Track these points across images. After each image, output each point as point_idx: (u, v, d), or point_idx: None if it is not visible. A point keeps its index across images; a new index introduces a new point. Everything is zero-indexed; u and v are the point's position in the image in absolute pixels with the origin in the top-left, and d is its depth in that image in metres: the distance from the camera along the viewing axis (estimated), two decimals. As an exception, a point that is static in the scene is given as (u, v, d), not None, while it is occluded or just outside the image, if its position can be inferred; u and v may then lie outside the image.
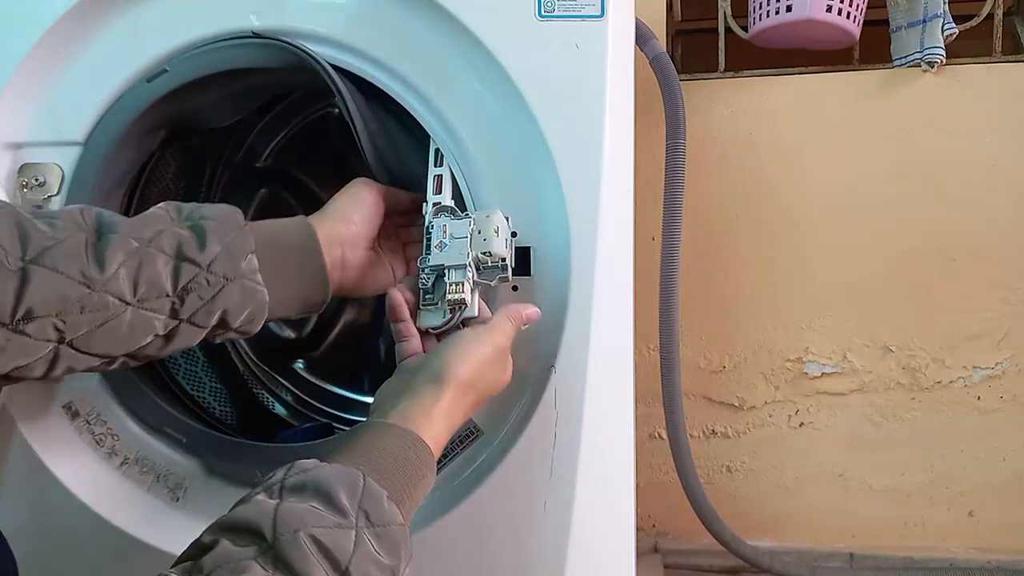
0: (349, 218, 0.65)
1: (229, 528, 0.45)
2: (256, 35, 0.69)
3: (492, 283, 0.64)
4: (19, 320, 0.49)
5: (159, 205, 0.59)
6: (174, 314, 0.55)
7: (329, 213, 0.65)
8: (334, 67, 0.68)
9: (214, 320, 0.57)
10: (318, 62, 0.67)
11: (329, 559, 0.44)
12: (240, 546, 0.43)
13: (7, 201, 0.54)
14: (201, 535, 0.45)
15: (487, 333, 0.60)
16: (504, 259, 0.64)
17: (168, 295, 0.54)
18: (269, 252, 0.59)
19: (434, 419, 0.56)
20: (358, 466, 0.50)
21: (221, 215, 0.58)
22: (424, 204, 0.67)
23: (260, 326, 0.60)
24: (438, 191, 0.68)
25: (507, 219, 0.65)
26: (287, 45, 0.68)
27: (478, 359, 0.59)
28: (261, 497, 0.47)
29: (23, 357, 0.50)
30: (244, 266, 0.57)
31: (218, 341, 0.60)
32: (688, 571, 1.24)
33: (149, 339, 0.55)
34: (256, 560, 0.43)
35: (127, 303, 0.53)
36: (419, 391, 0.57)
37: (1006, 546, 1.18)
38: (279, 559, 0.43)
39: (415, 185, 0.70)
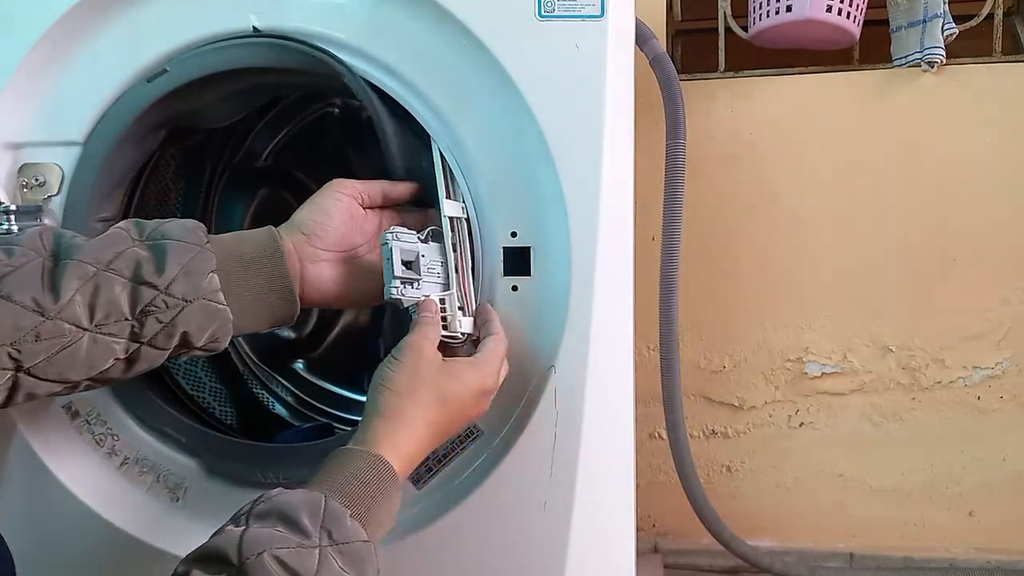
0: (311, 231, 0.64)
1: (199, 559, 0.46)
2: (283, 38, 0.69)
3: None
4: None
5: (120, 224, 0.58)
6: (134, 337, 0.55)
7: (295, 224, 0.64)
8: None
9: (175, 341, 0.57)
10: (348, 69, 0.67)
11: None
12: (209, 574, 0.45)
13: None
14: (175, 568, 0.46)
15: (470, 368, 0.61)
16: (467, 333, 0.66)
17: (127, 319, 0.55)
18: (231, 269, 0.59)
19: (399, 438, 0.56)
20: (320, 489, 0.51)
21: (182, 233, 0.58)
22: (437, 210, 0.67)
23: (227, 343, 0.60)
24: (448, 195, 0.67)
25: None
26: (315, 50, 0.68)
27: (447, 388, 0.59)
28: (229, 527, 0.48)
29: None
30: (205, 286, 0.57)
31: (184, 359, 0.60)
32: (688, 571, 1.24)
33: (110, 363, 0.55)
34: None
35: (84, 329, 0.53)
36: (384, 409, 0.57)
37: (1006, 546, 1.18)
38: None
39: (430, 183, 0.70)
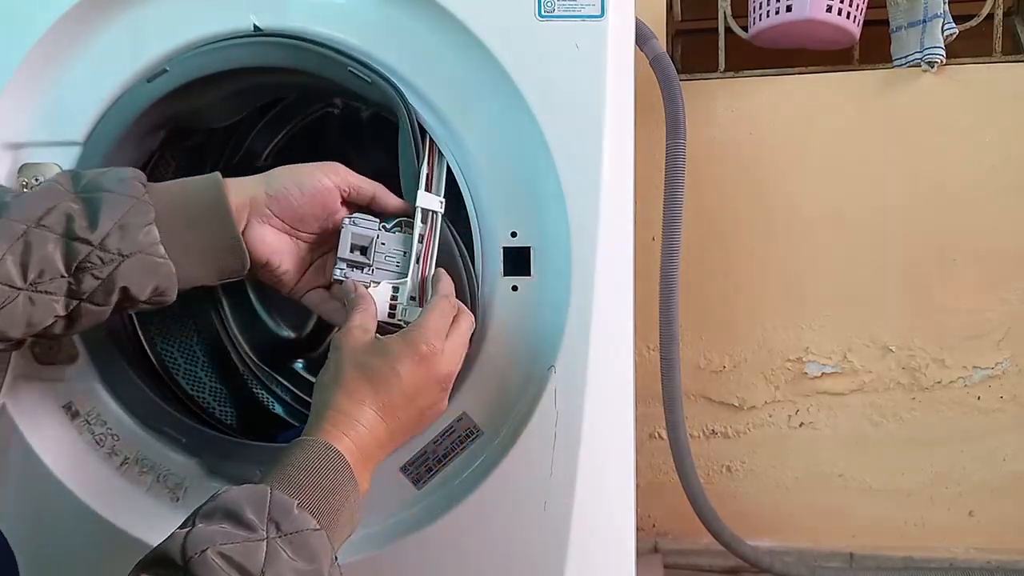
0: (275, 193, 0.61)
1: (146, 565, 0.46)
2: (307, 40, 0.68)
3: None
4: None
5: (56, 175, 0.57)
6: (72, 294, 0.54)
7: (264, 179, 0.62)
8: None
9: (115, 297, 0.56)
10: (392, 84, 0.67)
11: (242, 572, 0.44)
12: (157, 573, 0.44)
13: None
14: None
15: (399, 341, 0.58)
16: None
17: (63, 276, 0.53)
18: (172, 220, 0.57)
19: (347, 427, 0.55)
20: (267, 482, 0.50)
21: (116, 184, 0.56)
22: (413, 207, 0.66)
23: (174, 296, 0.58)
24: (429, 188, 0.67)
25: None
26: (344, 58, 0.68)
27: (380, 368, 0.57)
28: (177, 531, 0.47)
29: None
30: (142, 239, 0.55)
31: (131, 312, 0.58)
32: (688, 571, 1.24)
33: (51, 320, 0.54)
34: None
35: (18, 288, 0.52)
36: (327, 404, 0.56)
37: (1006, 546, 1.18)
38: None
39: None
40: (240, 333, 0.94)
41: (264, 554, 0.46)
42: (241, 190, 0.60)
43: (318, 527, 0.49)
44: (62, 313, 0.55)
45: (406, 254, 0.66)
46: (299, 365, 0.97)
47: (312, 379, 0.96)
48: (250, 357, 0.94)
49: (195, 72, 0.69)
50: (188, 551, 0.45)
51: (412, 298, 0.66)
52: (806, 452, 1.20)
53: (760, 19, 1.04)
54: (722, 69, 1.15)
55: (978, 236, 1.11)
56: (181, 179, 0.60)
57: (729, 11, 1.13)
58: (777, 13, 1.02)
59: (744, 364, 1.19)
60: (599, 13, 0.66)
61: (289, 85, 0.81)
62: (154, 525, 0.73)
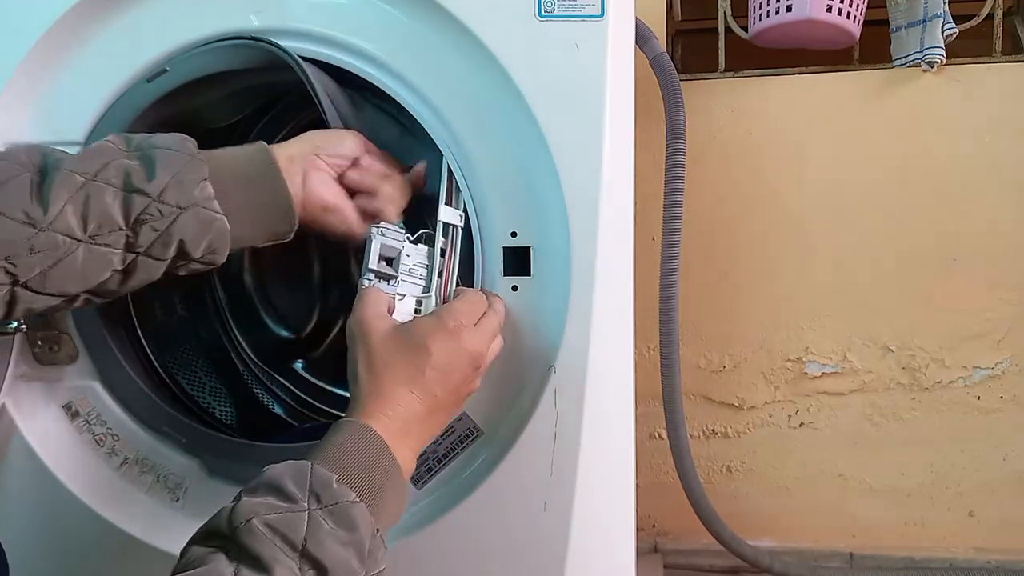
0: (316, 143, 0.65)
1: (196, 540, 0.48)
2: (248, 37, 0.69)
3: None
4: None
5: (108, 136, 0.57)
6: (129, 247, 0.55)
7: (297, 138, 0.65)
8: (327, 65, 0.69)
9: (172, 251, 0.56)
10: (287, 53, 0.68)
11: (285, 540, 0.47)
12: (206, 546, 0.47)
13: None
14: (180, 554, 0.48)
15: (424, 319, 0.61)
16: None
17: (121, 228, 0.54)
18: (225, 180, 0.58)
19: (384, 407, 0.57)
20: (307, 459, 0.52)
21: (171, 143, 0.57)
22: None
23: (224, 256, 0.59)
24: (448, 202, 0.68)
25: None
26: (259, 43, 0.68)
27: (406, 345, 0.58)
28: (224, 506, 0.49)
29: None
30: (197, 194, 0.56)
31: (182, 274, 0.59)
32: (688, 571, 1.24)
33: (108, 274, 0.55)
34: (220, 551, 0.46)
35: (78, 240, 0.53)
36: (362, 391, 0.58)
37: (1006, 546, 1.18)
38: (239, 548, 0.46)
39: None
40: (240, 333, 0.94)
41: (306, 524, 0.48)
42: (288, 149, 0.62)
43: (357, 500, 0.51)
44: (119, 267, 0.55)
45: (429, 267, 0.67)
46: (299, 365, 0.97)
47: (312, 379, 0.96)
48: (250, 357, 0.94)
49: (195, 72, 0.69)
50: (234, 521, 0.47)
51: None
52: (806, 452, 1.20)
53: (760, 19, 1.04)
54: (722, 69, 1.15)
55: (978, 236, 1.11)
56: (226, 148, 0.61)
57: (729, 11, 1.13)
58: (777, 13, 1.02)
59: (744, 364, 1.19)
60: (599, 13, 0.66)
61: (289, 85, 0.81)
62: (154, 525, 0.73)
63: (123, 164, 0.54)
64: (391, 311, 0.63)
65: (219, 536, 0.47)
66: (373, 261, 0.64)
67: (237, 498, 0.49)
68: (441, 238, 0.67)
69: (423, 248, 0.67)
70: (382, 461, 0.54)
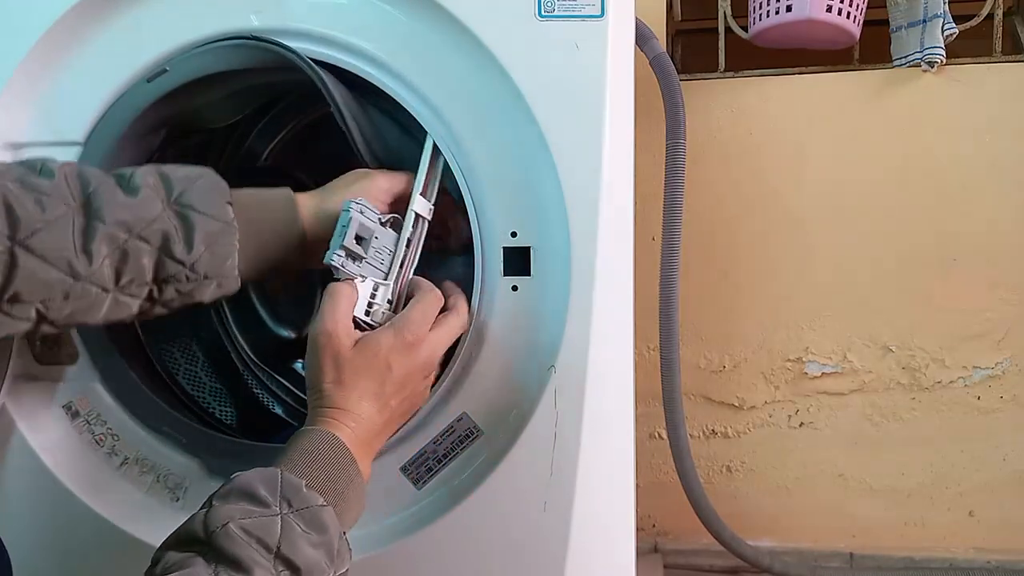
0: (333, 204, 0.65)
1: (170, 545, 0.50)
2: (250, 36, 0.69)
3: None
4: (5, 301, 0.52)
5: (147, 175, 0.58)
6: (150, 299, 0.59)
7: (326, 198, 0.66)
8: (327, 65, 0.69)
9: (184, 305, 0.60)
10: (301, 58, 0.68)
11: (261, 543, 0.49)
12: (182, 552, 0.49)
13: None
14: (153, 557, 0.50)
15: (386, 331, 0.62)
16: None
17: (148, 283, 0.57)
18: (248, 242, 0.61)
19: (345, 416, 0.59)
20: (276, 466, 0.54)
21: (209, 205, 0.59)
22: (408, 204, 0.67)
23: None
24: (424, 193, 0.67)
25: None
26: (269, 44, 0.68)
27: (368, 359, 0.60)
28: (196, 513, 0.51)
29: (4, 331, 0.54)
30: (227, 265, 0.60)
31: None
32: (688, 571, 1.24)
33: (124, 316, 0.59)
34: (197, 555, 0.48)
35: (108, 290, 0.56)
36: (323, 400, 0.60)
37: (1006, 546, 1.18)
38: (217, 552, 0.48)
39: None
40: (240, 333, 0.94)
41: (279, 527, 0.50)
42: (309, 224, 0.64)
43: (325, 503, 0.53)
44: (135, 311, 0.59)
45: (392, 253, 0.66)
46: (299, 365, 0.97)
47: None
48: (250, 357, 0.94)
49: (195, 72, 0.69)
50: (210, 526, 0.49)
51: (389, 301, 0.66)
52: (806, 452, 1.20)
53: (760, 19, 1.04)
54: (722, 69, 1.15)
55: (978, 235, 1.11)
56: (257, 194, 0.64)
57: (729, 11, 1.13)
58: (777, 13, 1.02)
59: (744, 364, 1.19)
60: (599, 13, 0.66)
61: (289, 84, 0.81)
62: (154, 525, 0.73)
63: (163, 225, 0.57)
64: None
65: (196, 541, 0.49)
66: (349, 238, 0.63)
67: (208, 504, 0.51)
68: (410, 228, 0.66)
69: (391, 233, 0.66)
70: (346, 469, 0.57)
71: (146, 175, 0.59)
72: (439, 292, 0.66)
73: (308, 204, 0.65)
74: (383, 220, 0.65)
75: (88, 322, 0.57)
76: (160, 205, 0.58)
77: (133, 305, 0.58)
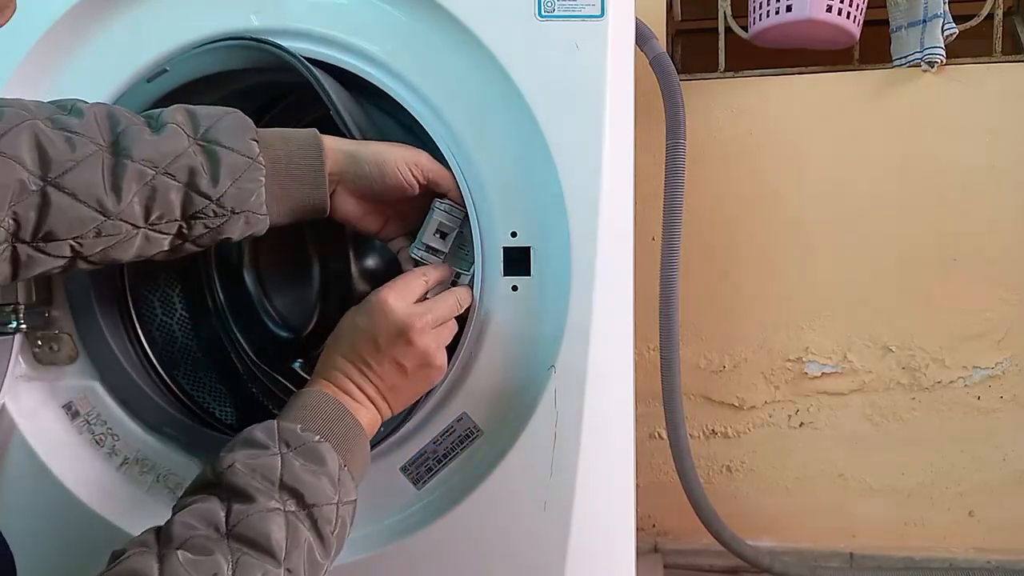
0: (360, 166, 0.65)
1: (188, 492, 0.56)
2: (247, 37, 0.69)
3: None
4: (40, 239, 0.54)
5: (174, 113, 0.60)
6: (180, 235, 0.60)
7: (354, 157, 0.66)
8: (327, 65, 0.69)
9: (216, 242, 0.62)
10: (297, 59, 0.68)
11: (265, 477, 0.54)
12: (199, 498, 0.54)
13: (27, 106, 0.55)
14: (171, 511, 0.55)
15: (379, 290, 0.65)
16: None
17: (177, 219, 0.59)
18: (275, 179, 0.62)
19: (335, 372, 0.63)
20: (274, 419, 0.59)
21: (235, 140, 0.60)
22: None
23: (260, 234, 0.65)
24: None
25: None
26: (265, 45, 0.68)
27: (356, 315, 0.64)
28: (205, 467, 0.57)
29: (42, 268, 0.56)
30: (253, 200, 0.61)
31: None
32: (688, 571, 1.24)
33: (155, 252, 0.60)
34: (212, 495, 0.53)
35: (138, 227, 0.57)
36: (322, 361, 0.65)
37: (1006, 546, 1.18)
38: (227, 487, 0.53)
39: None
40: (240, 333, 0.94)
41: (280, 463, 0.55)
42: (336, 161, 0.65)
43: (321, 439, 0.58)
44: (166, 248, 0.60)
45: (470, 252, 0.69)
46: (299, 365, 0.97)
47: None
48: (250, 357, 0.94)
49: (195, 72, 0.69)
50: (218, 467, 0.55)
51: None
52: (806, 452, 1.20)
53: (760, 19, 1.05)
54: (722, 69, 1.15)
55: (978, 235, 1.11)
56: (284, 132, 0.64)
57: (729, 11, 1.13)
58: (777, 13, 1.02)
59: (744, 364, 1.19)
60: (599, 13, 0.66)
61: (288, 85, 0.81)
62: (154, 525, 0.73)
63: (190, 160, 0.58)
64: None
65: (208, 484, 0.55)
66: (429, 234, 0.68)
67: (217, 458, 0.56)
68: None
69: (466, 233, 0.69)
70: (343, 418, 0.61)
71: (174, 112, 0.60)
72: (429, 276, 0.68)
73: (333, 145, 0.65)
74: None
75: (121, 258, 0.59)
76: (186, 141, 0.59)
77: (164, 241, 0.59)
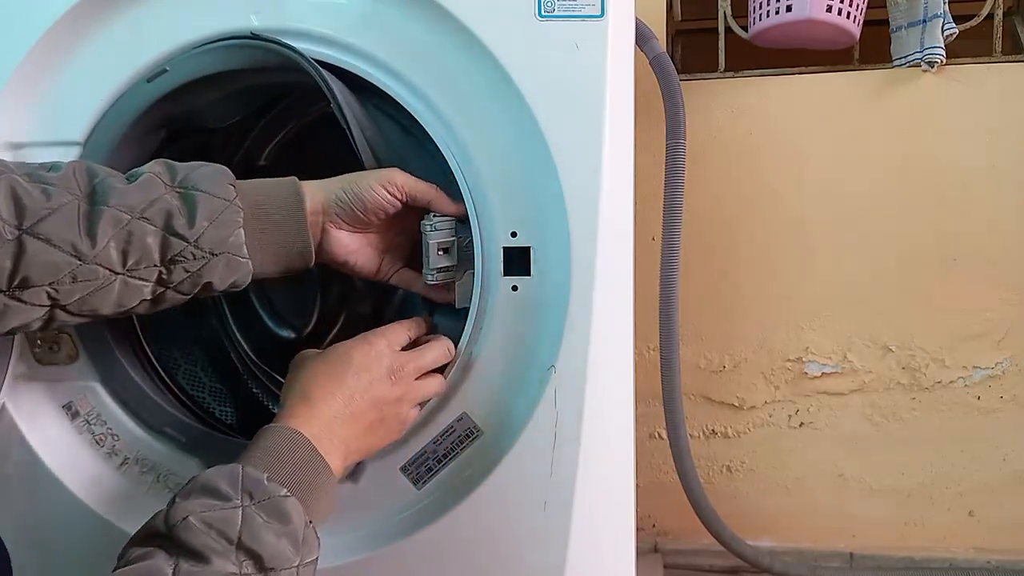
0: (339, 203, 0.66)
1: (134, 542, 0.51)
2: (252, 36, 0.69)
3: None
4: (15, 287, 0.54)
5: (153, 165, 0.60)
6: (161, 282, 0.59)
7: (331, 189, 0.66)
8: (327, 65, 0.69)
9: (198, 288, 0.61)
10: (304, 58, 0.68)
11: (221, 535, 0.50)
12: (144, 547, 0.50)
13: (6, 163, 0.56)
14: (118, 555, 0.51)
15: (362, 337, 0.65)
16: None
17: (156, 265, 0.58)
18: (255, 224, 0.62)
19: (310, 413, 0.60)
20: (238, 462, 0.55)
21: (211, 185, 0.60)
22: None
23: (245, 286, 0.64)
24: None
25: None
26: (270, 44, 0.68)
27: (334, 356, 0.64)
28: (158, 512, 0.52)
29: (20, 319, 0.55)
30: (231, 241, 0.60)
31: (202, 296, 0.63)
32: (688, 571, 1.24)
33: (137, 302, 0.59)
34: (159, 549, 0.49)
35: (117, 272, 0.57)
36: (294, 391, 0.63)
37: (1006, 546, 1.18)
38: (178, 545, 0.49)
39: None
40: (240, 333, 0.94)
41: (240, 519, 0.51)
42: (315, 198, 0.65)
43: (288, 494, 0.54)
44: (148, 297, 0.59)
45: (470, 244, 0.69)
46: (299, 365, 0.97)
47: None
48: (250, 357, 0.94)
49: (195, 72, 0.69)
50: (171, 520, 0.50)
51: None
52: (806, 452, 1.20)
53: (760, 19, 1.05)
54: (722, 69, 1.15)
55: (978, 235, 1.11)
56: (262, 181, 0.65)
57: (729, 11, 1.13)
58: (777, 13, 1.02)
59: (744, 364, 1.19)
60: (599, 13, 0.66)
61: (289, 85, 0.81)
62: None
63: (166, 204, 0.58)
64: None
65: (157, 536, 0.50)
66: (434, 257, 0.68)
67: (172, 502, 0.52)
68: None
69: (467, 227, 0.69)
70: (311, 462, 0.58)
71: (153, 164, 0.60)
72: (422, 326, 0.70)
73: (313, 184, 0.66)
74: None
75: (102, 310, 0.57)
76: (163, 188, 0.59)
77: (144, 289, 0.58)
